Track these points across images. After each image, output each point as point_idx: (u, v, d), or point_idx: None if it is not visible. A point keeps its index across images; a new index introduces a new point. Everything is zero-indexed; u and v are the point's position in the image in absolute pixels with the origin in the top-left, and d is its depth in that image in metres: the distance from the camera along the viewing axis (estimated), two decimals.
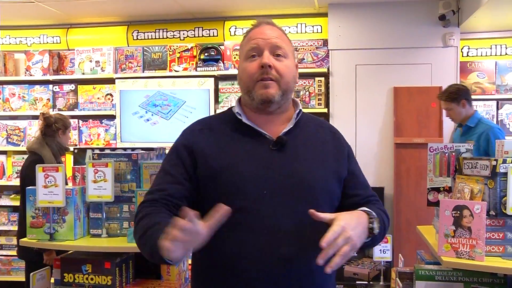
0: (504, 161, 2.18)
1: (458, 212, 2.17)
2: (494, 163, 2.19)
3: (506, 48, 4.78)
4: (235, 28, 5.07)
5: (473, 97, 4.69)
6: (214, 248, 1.37)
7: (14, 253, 5.28)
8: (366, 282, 4.31)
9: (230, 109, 1.60)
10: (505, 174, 2.15)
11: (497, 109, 4.69)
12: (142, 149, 2.72)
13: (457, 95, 3.86)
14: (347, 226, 1.31)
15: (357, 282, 4.33)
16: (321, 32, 4.86)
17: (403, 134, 4.46)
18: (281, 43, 1.51)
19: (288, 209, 1.41)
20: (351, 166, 1.60)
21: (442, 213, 2.22)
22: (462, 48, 4.75)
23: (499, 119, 4.68)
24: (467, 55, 4.81)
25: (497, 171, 2.17)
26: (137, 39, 5.24)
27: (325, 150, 1.55)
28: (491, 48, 4.80)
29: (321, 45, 4.77)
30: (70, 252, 2.51)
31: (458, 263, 2.16)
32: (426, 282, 2.33)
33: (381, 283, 4.28)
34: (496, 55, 4.79)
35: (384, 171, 4.58)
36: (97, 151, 2.70)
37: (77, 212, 2.47)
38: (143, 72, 5.09)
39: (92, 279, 2.34)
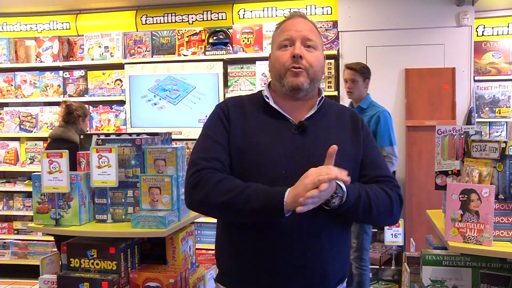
0: None
1: (466, 196, 2.12)
2: (503, 145, 2.12)
3: None
4: (244, 11, 5.00)
5: (488, 77, 4.60)
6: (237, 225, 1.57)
7: (30, 237, 5.38)
8: (378, 267, 4.29)
9: (260, 92, 1.73)
10: None
11: None
12: (147, 134, 2.71)
13: (367, 72, 3.89)
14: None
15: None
16: (331, 13, 4.77)
17: (414, 116, 4.38)
18: (312, 36, 1.63)
19: None
20: (367, 149, 1.70)
21: (449, 197, 2.17)
22: (477, 28, 4.62)
23: None
24: (482, 35, 4.68)
25: (506, 154, 2.11)
26: (146, 23, 5.22)
27: (343, 136, 1.66)
28: (508, 27, 4.66)
29: (330, 26, 4.69)
30: (76, 237, 2.52)
31: (465, 248, 2.11)
32: (433, 267, 2.29)
33: (392, 267, 4.26)
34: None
35: None
36: (102, 137, 2.69)
37: (82, 198, 2.47)
38: (152, 57, 5.07)
39: (97, 264, 2.35)
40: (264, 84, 4.77)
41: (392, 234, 4.02)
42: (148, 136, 2.62)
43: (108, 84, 5.19)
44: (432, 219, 2.66)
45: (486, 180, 2.21)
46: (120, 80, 5.15)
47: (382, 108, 3.79)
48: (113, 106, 5.22)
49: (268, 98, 1.66)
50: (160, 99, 5.05)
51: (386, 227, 3.99)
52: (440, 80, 4.32)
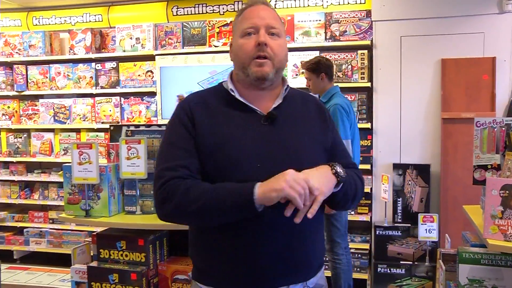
0: None
1: (507, 191, 2.02)
2: None
3: None
4: (275, 1, 4.93)
5: None
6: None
7: (64, 227, 5.49)
8: (411, 263, 4.19)
9: (221, 84, 1.68)
10: None
11: None
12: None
13: (318, 67, 3.77)
14: (309, 177, 1.42)
15: (401, 262, 4.22)
16: (364, 2, 4.65)
17: (451, 108, 4.23)
18: (276, 23, 1.60)
19: None
20: (336, 138, 1.73)
21: (488, 192, 2.07)
22: None
23: None
24: None
25: None
26: (177, 14, 5.21)
27: (312, 123, 1.66)
28: None
29: (364, 16, 4.57)
30: (106, 228, 2.53)
31: (506, 246, 2.02)
32: (471, 265, 2.20)
33: (426, 263, 4.15)
34: None
35: (431, 147, 4.38)
36: (131, 128, 2.70)
37: (111, 189, 2.47)
38: (183, 48, 5.07)
39: (126, 255, 2.36)
40: (296, 75, 4.71)
41: (426, 229, 3.91)
42: None
43: (139, 75, 5.22)
44: (469, 215, 2.56)
45: None
46: (151, 72, 5.17)
47: (338, 102, 3.64)
48: (144, 98, 5.24)
49: (233, 91, 1.60)
50: None
51: (420, 223, 3.89)
52: (478, 71, 4.15)
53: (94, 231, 2.56)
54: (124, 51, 5.23)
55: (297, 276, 1.56)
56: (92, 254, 2.53)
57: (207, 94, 1.67)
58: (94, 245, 2.45)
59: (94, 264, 2.40)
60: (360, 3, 4.67)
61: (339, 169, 1.53)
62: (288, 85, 1.67)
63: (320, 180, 1.45)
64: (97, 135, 5.38)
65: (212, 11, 5.14)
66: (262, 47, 1.54)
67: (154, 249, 2.36)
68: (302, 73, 4.70)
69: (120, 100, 5.31)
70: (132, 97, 5.28)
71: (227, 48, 4.86)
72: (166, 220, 1.56)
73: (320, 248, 1.67)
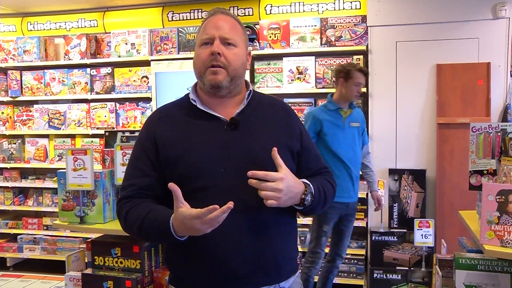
0: None
1: (503, 197, 2.02)
2: None
3: None
4: (271, 6, 4.94)
5: None
6: None
7: (59, 233, 5.45)
8: (407, 268, 4.19)
9: (187, 95, 1.72)
10: None
11: None
12: None
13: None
14: (285, 181, 1.49)
15: (397, 267, 4.21)
16: (360, 8, 4.66)
17: (446, 114, 4.24)
18: (231, 33, 1.63)
19: (245, 184, 1.49)
20: (304, 141, 1.74)
21: (485, 198, 2.07)
22: None
23: None
24: None
25: None
26: (172, 20, 5.20)
27: (277, 127, 1.68)
28: None
29: (359, 21, 4.58)
30: (100, 235, 2.51)
31: (502, 252, 2.01)
32: (467, 271, 2.20)
33: (422, 269, 4.14)
34: None
35: (426, 153, 4.39)
36: (126, 134, 2.68)
37: (106, 196, 2.46)
38: (178, 53, 5.06)
39: (121, 262, 2.33)
40: (292, 80, 4.71)
41: (422, 234, 3.91)
42: None
43: (134, 81, 5.21)
44: (465, 221, 2.56)
45: None
46: (147, 77, 5.16)
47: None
48: (139, 103, 5.23)
49: (195, 101, 1.66)
50: None
51: (416, 228, 3.89)
52: (473, 76, 4.17)
53: (89, 238, 2.54)
54: (119, 56, 5.22)
55: (267, 279, 1.60)
56: (86, 261, 2.50)
57: (172, 106, 1.74)
58: (89, 252, 2.43)
59: (89, 271, 2.38)
60: (356, 8, 4.68)
61: (308, 196, 1.58)
62: (251, 90, 1.72)
63: (289, 192, 1.51)
64: (92, 141, 5.35)
65: None
66: (216, 57, 1.58)
67: (149, 256, 2.34)
68: (298, 78, 4.71)
69: (115, 106, 5.29)
70: (127, 103, 5.26)
71: None
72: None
73: (291, 252, 1.71)
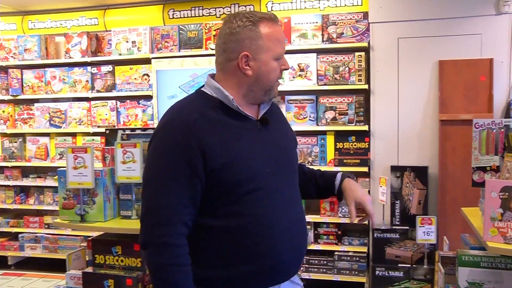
0: None
1: (506, 193, 2.00)
2: None
3: None
4: (272, 3, 4.92)
5: None
6: (232, 230, 1.54)
7: (60, 232, 5.45)
8: (409, 265, 4.16)
9: (203, 92, 1.64)
10: None
11: None
12: None
13: None
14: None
15: (399, 265, 4.19)
16: (361, 4, 4.64)
17: (448, 110, 4.21)
18: None
19: (285, 181, 1.65)
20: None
21: (488, 194, 2.05)
22: None
23: None
24: None
25: None
26: (173, 18, 5.19)
27: (284, 123, 1.82)
28: None
29: (361, 18, 4.55)
30: (101, 233, 2.50)
31: (506, 249, 2.00)
32: (470, 268, 2.18)
33: (424, 266, 4.12)
34: None
35: (428, 149, 4.36)
36: (127, 132, 2.67)
37: (107, 194, 2.44)
38: (179, 51, 5.04)
39: (122, 261, 2.33)
40: (293, 77, 4.68)
41: (424, 232, 3.89)
42: None
43: (135, 79, 5.19)
44: (468, 218, 2.54)
45: None
46: (148, 75, 5.14)
47: None
48: (140, 101, 5.21)
49: (233, 101, 1.60)
50: None
51: (418, 225, 3.87)
52: (476, 72, 4.13)
53: (90, 236, 2.53)
54: (120, 54, 5.20)
55: (297, 269, 1.73)
56: (87, 259, 2.49)
57: (198, 105, 1.60)
58: (90, 251, 2.42)
59: (89, 269, 2.37)
60: (357, 5, 4.65)
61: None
62: None
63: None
64: (93, 139, 5.34)
65: (208, 14, 5.12)
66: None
67: None
68: (300, 75, 4.69)
69: (116, 104, 5.27)
70: (128, 101, 5.25)
71: None
72: (141, 246, 1.58)
73: None
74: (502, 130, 2.29)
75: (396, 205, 4.37)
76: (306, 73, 4.68)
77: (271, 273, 1.59)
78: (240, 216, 1.54)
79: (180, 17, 5.18)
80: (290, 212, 1.63)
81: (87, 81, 5.34)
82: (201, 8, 5.14)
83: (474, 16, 4.22)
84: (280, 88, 4.76)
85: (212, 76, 1.67)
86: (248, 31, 1.56)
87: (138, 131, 2.70)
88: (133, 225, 2.37)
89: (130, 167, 2.42)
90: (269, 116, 1.67)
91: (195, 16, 5.14)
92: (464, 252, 2.23)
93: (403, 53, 4.38)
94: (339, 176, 1.85)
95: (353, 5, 4.68)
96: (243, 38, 1.56)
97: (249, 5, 4.98)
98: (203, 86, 1.69)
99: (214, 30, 4.93)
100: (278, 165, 1.61)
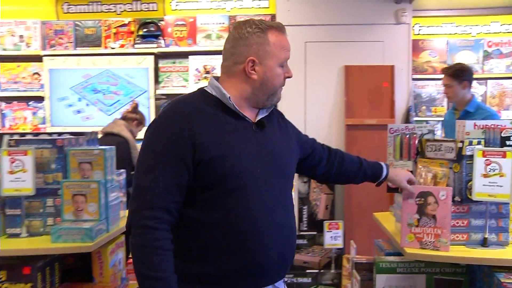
0: (470, 143, 2.04)
1: (422, 199, 2.01)
2: (460, 145, 2.04)
3: (456, 26, 4.70)
4: (176, 2, 4.74)
5: (424, 76, 4.64)
6: (217, 225, 1.56)
7: None
8: (317, 271, 4.16)
9: (203, 91, 1.69)
10: (471, 157, 2.00)
11: None
12: (70, 133, 2.44)
13: (462, 74, 3.79)
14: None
15: (307, 271, 4.17)
16: (268, 7, 4.62)
17: (354, 115, 4.29)
18: None
19: (276, 184, 1.67)
20: (301, 135, 1.96)
21: (405, 201, 2.05)
22: (414, 26, 4.63)
23: None
24: (419, 33, 4.70)
25: (463, 154, 2.03)
26: (68, 12, 4.81)
27: (284, 130, 1.82)
28: (441, 27, 4.71)
29: (268, 20, 4.50)
30: None
31: (422, 254, 2.02)
32: (387, 275, 2.18)
33: (332, 271, 4.15)
34: (446, 33, 4.71)
35: None
36: (15, 137, 2.36)
37: None
38: (75, 49, 4.66)
39: None
40: (198, 80, 4.54)
41: (332, 236, 3.91)
42: (72, 136, 2.35)
43: (24, 78, 4.71)
44: (381, 223, 2.55)
45: (442, 182, 2.12)
46: (39, 74, 4.69)
47: (491, 111, 3.69)
48: (30, 103, 4.74)
49: (230, 99, 1.64)
50: (87, 105, 4.63)
51: (326, 230, 3.88)
52: (379, 78, 4.26)
53: None
54: (4, 49, 4.68)
55: (285, 272, 1.76)
56: None
57: (196, 101, 1.64)
58: None
59: None
60: (264, 7, 4.62)
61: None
62: None
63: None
64: None
65: (108, 10, 4.81)
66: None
67: (43, 277, 2.04)
68: (205, 78, 4.53)
69: (1, 106, 4.76)
70: (15, 102, 4.75)
71: (125, 50, 4.62)
72: (128, 229, 1.58)
73: None
74: (415, 135, 2.32)
75: (304, 210, 4.36)
76: (212, 76, 4.53)
77: (253, 275, 1.62)
78: (224, 212, 1.56)
79: (76, 12, 4.83)
80: (277, 216, 1.65)
81: None
82: (99, 3, 4.82)
83: (376, 24, 4.37)
84: (184, 91, 4.60)
85: (216, 78, 1.71)
86: (257, 37, 1.64)
87: (29, 136, 2.40)
88: (22, 244, 2.07)
89: (20, 178, 2.13)
90: (268, 121, 1.71)
91: (93, 12, 4.83)
92: (381, 259, 2.22)
93: (310, 58, 4.40)
94: (385, 168, 2.08)
95: (260, 7, 4.65)
96: (251, 44, 1.64)
97: (152, 2, 4.76)
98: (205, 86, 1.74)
99: (115, 28, 4.63)
100: (269, 168, 1.64)
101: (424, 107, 4.60)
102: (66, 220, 2.12)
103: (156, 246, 1.50)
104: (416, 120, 4.43)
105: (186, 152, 1.53)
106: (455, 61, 4.54)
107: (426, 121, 4.49)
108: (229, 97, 1.63)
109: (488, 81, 4.58)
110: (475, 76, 4.47)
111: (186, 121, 1.56)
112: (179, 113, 1.59)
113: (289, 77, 1.72)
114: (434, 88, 4.60)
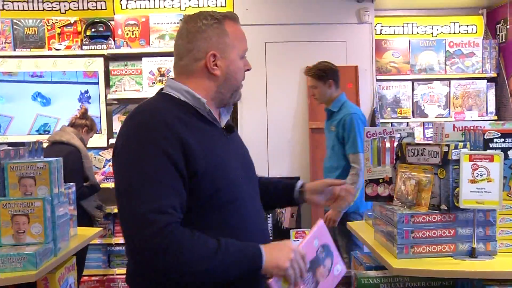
0: (456, 146, 1.89)
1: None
2: (445, 148, 1.90)
3: (417, 27, 4.67)
4: (127, 0, 4.48)
5: (389, 77, 4.56)
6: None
7: None
8: None
9: (172, 96, 1.54)
10: (457, 161, 1.86)
11: (412, 90, 4.54)
12: (8, 144, 2.23)
13: (325, 73, 3.59)
14: None
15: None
16: (225, 6, 4.45)
17: (318, 118, 4.15)
18: None
19: (252, 190, 1.64)
20: None
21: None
22: (376, 26, 4.56)
23: (414, 100, 4.56)
24: (381, 33, 4.63)
25: (449, 158, 1.89)
26: (4, 9, 4.47)
27: (235, 130, 1.75)
28: (403, 27, 4.68)
29: None
30: None
31: (411, 269, 1.86)
32: None
33: None
34: (408, 33, 4.67)
35: (299, 159, 4.30)
36: None
37: None
38: (14, 50, 4.33)
39: None
40: (153, 83, 4.30)
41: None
42: (10, 147, 2.14)
43: None
44: (359, 234, 2.39)
45: (427, 189, 1.97)
46: None
47: (352, 111, 3.46)
48: None
49: (206, 105, 1.54)
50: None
51: (293, 239, 3.70)
52: (343, 79, 4.09)
53: None
54: None
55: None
56: None
57: (172, 108, 1.49)
58: None
59: None
60: (221, 6, 4.46)
61: None
62: None
63: None
64: None
65: (51, 8, 4.50)
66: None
67: None
68: (160, 81, 4.30)
69: None
70: None
71: (70, 52, 4.30)
72: (159, 274, 1.37)
73: None
74: (393, 139, 2.16)
75: (268, 219, 4.20)
76: (167, 79, 4.28)
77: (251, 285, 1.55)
78: (219, 230, 1.46)
79: (14, 9, 4.50)
80: (262, 223, 1.67)
81: None
82: (41, 1, 4.50)
83: (338, 23, 4.30)
84: (138, 96, 4.35)
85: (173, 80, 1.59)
86: (215, 29, 1.54)
87: None
88: None
89: None
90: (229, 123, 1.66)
91: (33, 10, 4.52)
92: (363, 274, 2.06)
93: (271, 58, 4.31)
94: (300, 181, 1.91)
95: (216, 6, 4.49)
96: (210, 36, 1.53)
97: (100, 1, 4.49)
98: (162, 88, 1.60)
99: (59, 28, 4.33)
100: (245, 174, 1.61)
101: (389, 109, 4.52)
102: (4, 245, 1.93)
103: (191, 236, 1.36)
104: (382, 122, 4.36)
105: (177, 159, 1.39)
106: (418, 61, 4.49)
107: (391, 123, 4.42)
108: (205, 103, 1.52)
109: (451, 81, 4.54)
110: (437, 76, 4.43)
111: (173, 129, 1.41)
112: (162, 121, 1.42)
113: (248, 69, 1.64)
114: (398, 89, 4.53)
